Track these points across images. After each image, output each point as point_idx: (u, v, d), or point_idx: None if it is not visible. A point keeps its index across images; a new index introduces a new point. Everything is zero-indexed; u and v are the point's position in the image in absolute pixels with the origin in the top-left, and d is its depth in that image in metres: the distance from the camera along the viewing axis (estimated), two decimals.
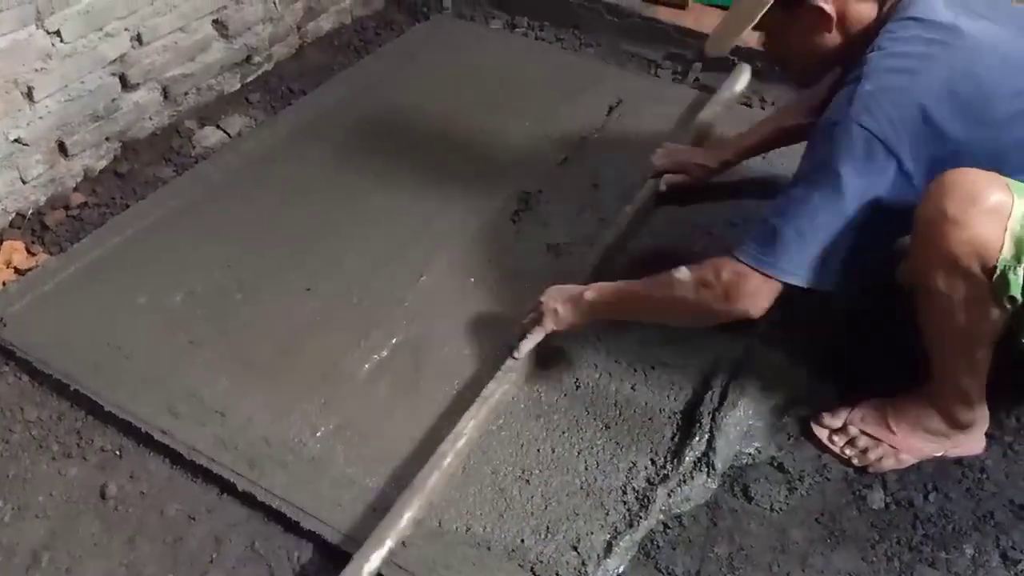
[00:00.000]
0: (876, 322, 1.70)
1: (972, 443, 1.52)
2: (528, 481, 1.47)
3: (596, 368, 1.66)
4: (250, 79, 2.47)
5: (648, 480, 1.47)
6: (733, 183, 2.05)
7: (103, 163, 2.14)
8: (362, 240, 1.93)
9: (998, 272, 1.23)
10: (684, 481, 1.45)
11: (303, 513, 1.41)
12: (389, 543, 1.32)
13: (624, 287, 1.54)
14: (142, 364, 1.65)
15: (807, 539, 1.42)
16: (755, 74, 2.47)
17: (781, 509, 1.46)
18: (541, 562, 1.36)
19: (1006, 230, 1.22)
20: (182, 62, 2.24)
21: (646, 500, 1.43)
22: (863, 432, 1.52)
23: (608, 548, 1.37)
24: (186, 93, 2.30)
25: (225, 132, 2.29)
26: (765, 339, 1.65)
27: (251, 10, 2.37)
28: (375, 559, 1.30)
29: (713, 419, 1.52)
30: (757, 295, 1.38)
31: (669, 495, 1.43)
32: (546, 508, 1.43)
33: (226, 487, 1.48)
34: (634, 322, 1.64)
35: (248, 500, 1.46)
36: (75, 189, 2.08)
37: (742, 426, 1.53)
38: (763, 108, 2.40)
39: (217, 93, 2.39)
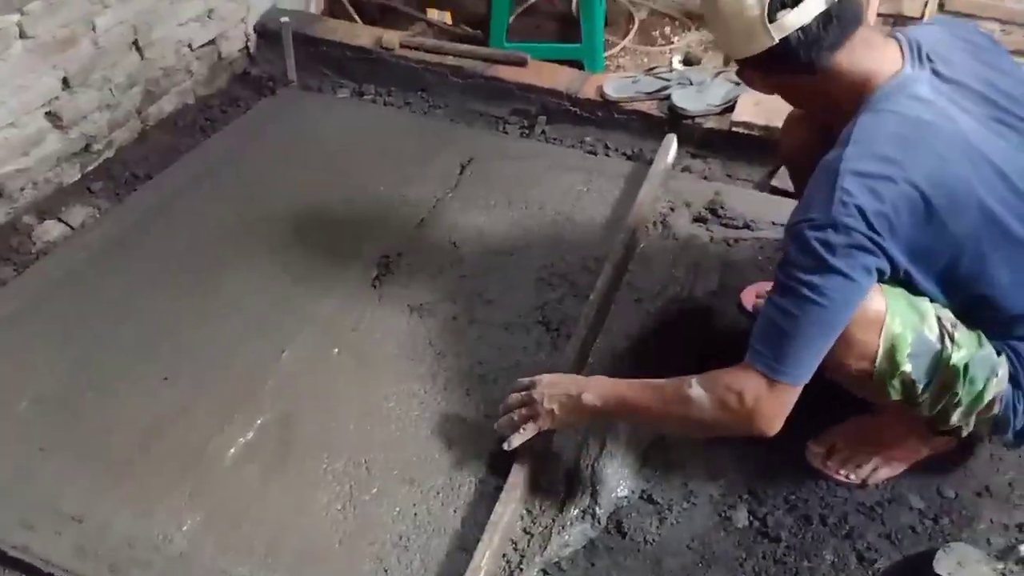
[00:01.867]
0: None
1: (946, 440, 1.57)
2: (407, 548, 1.47)
3: (465, 423, 1.68)
4: (91, 168, 2.40)
5: (525, 530, 1.49)
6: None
7: None
8: (219, 323, 1.90)
9: (875, 379, 1.34)
10: (564, 529, 1.48)
11: None
12: None
13: (630, 396, 1.43)
14: None
15: (680, 566, 1.47)
16: (597, 123, 2.60)
17: (654, 540, 1.51)
18: None
19: (880, 335, 1.30)
20: (16, 157, 2.16)
21: (524, 552, 1.45)
22: (853, 450, 1.59)
23: None
24: (22, 188, 2.21)
25: (67, 224, 2.20)
26: None
27: (85, 99, 2.32)
28: None
29: (593, 471, 1.57)
30: (780, 414, 1.32)
31: (546, 544, 1.46)
32: (425, 572, 1.43)
33: None
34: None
35: None
36: None
37: (620, 472, 1.58)
38: (608, 155, 2.52)
39: (56, 185, 2.31)
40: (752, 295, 1.93)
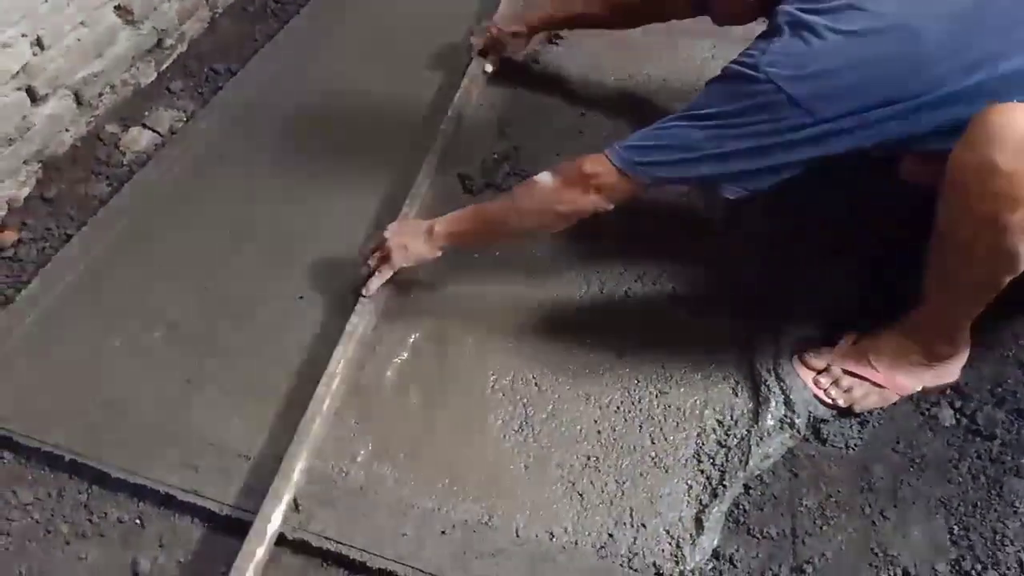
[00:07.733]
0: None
1: (950, 373, 1.45)
2: (597, 469, 1.37)
3: (629, 330, 1.55)
4: (166, 65, 2.21)
5: (720, 443, 1.39)
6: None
7: (26, 190, 1.89)
8: (348, 231, 1.76)
9: None
10: (762, 440, 1.38)
11: (366, 552, 1.29)
12: (286, 498, 1.32)
13: (480, 207, 1.52)
14: (140, 417, 1.47)
15: (890, 472, 1.37)
16: None
17: (856, 446, 1.41)
18: (635, 554, 1.27)
19: None
20: (90, 60, 1.98)
21: (724, 467, 1.36)
22: (845, 371, 1.44)
23: (699, 525, 1.29)
24: (100, 94, 2.04)
25: (154, 131, 2.04)
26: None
27: None
28: (274, 519, 1.29)
29: (777, 375, 1.45)
30: (616, 191, 1.36)
31: (747, 458, 1.36)
32: (623, 495, 1.34)
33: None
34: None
35: (301, 547, 1.32)
36: (3, 227, 1.83)
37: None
38: None
39: (134, 88, 2.13)
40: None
